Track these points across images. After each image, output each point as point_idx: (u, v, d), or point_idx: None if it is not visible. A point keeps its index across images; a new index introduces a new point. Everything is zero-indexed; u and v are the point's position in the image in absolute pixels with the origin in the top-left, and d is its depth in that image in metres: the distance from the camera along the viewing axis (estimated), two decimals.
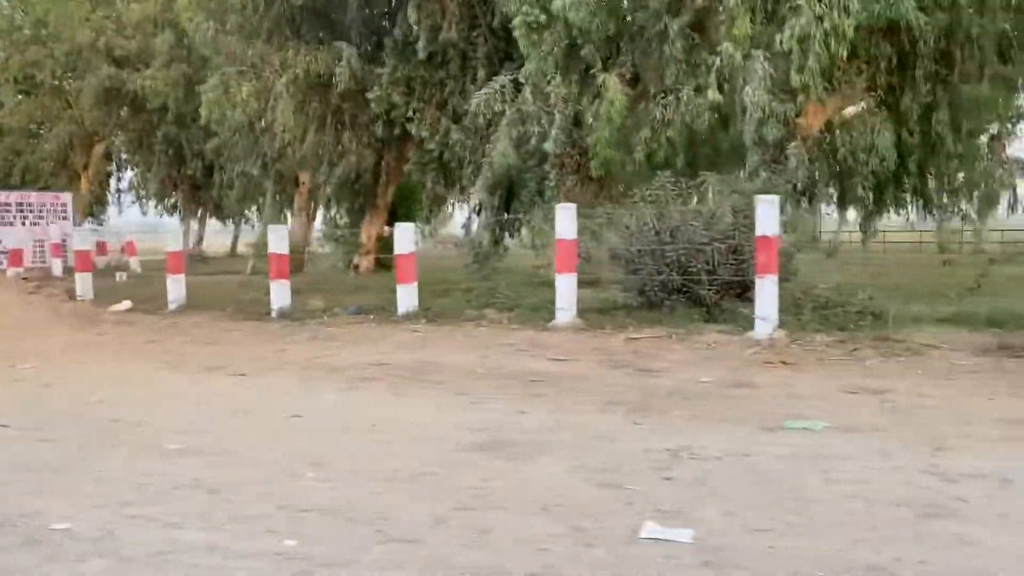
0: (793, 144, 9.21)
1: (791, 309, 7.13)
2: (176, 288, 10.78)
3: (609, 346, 6.73)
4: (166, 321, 9.99)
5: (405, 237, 8.83)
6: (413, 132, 13.28)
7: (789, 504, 3.20)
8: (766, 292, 6.55)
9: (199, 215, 30.14)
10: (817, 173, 9.82)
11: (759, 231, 6.60)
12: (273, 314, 9.51)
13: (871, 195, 11.04)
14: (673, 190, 8.42)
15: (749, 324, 6.93)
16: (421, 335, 7.74)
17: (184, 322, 9.73)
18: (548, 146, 10.69)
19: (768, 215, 6.52)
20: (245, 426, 4.65)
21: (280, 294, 9.59)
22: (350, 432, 4.44)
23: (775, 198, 6.71)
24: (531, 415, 4.76)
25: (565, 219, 7.65)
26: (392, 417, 4.74)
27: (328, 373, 6.20)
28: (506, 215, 12.71)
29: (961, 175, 11.49)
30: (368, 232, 15.72)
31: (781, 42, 8.86)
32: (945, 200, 11.71)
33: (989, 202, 32.71)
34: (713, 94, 9.40)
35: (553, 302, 8.55)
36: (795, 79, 8.90)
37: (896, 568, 2.60)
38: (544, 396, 5.24)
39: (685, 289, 7.88)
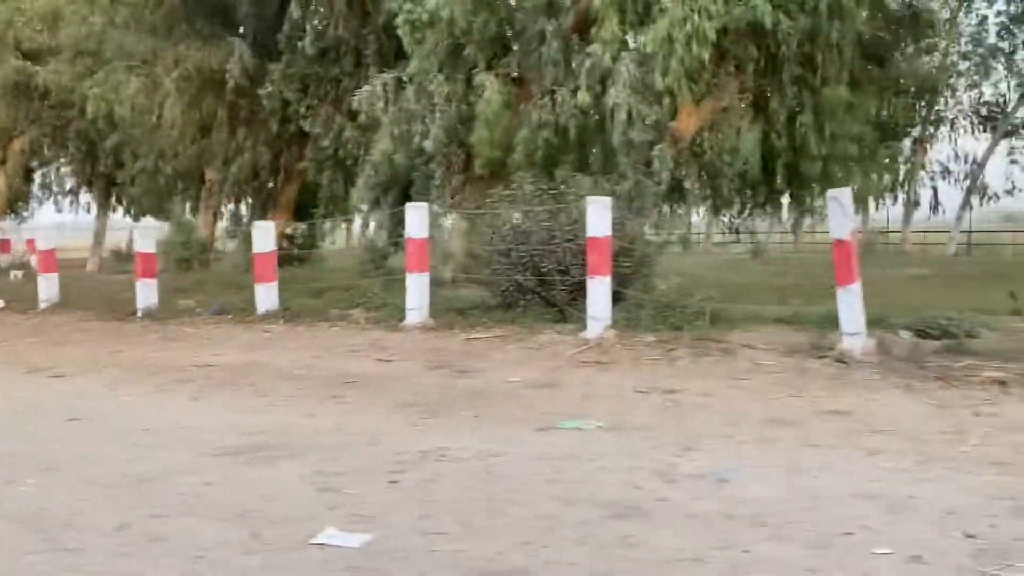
0: (659, 147, 9.28)
1: (633, 309, 7.18)
2: (48, 287, 10.54)
3: (445, 346, 6.71)
4: (31, 321, 9.76)
5: (263, 236, 8.72)
6: (307, 129, 13.14)
7: (492, 506, 3.21)
8: (597, 292, 6.59)
9: (132, 212, 29.43)
10: (689, 176, 9.91)
11: (589, 232, 6.64)
12: (138, 314, 9.33)
13: (746, 197, 11.16)
14: (535, 191, 8.42)
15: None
16: (269, 336, 7.65)
17: (48, 321, 9.52)
18: (428, 145, 10.63)
19: (598, 217, 6.56)
20: (12, 430, 4.54)
21: (146, 293, 9.42)
22: (116, 436, 4.36)
23: (606, 200, 6.76)
24: (318, 418, 4.73)
25: (415, 218, 7.62)
26: (171, 420, 4.67)
27: (148, 375, 6.09)
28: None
29: (840, 177, 11.52)
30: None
31: (645, 45, 8.93)
32: (816, 203, 11.75)
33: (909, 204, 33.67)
34: (583, 96, 9.44)
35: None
36: (660, 82, 8.98)
37: (540, 570, 2.62)
38: (345, 398, 5.20)
39: (540, 290, 7.89)
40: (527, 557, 2.71)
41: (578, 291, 7.81)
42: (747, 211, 11.74)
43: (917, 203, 33.70)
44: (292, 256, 16.11)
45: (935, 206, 35.07)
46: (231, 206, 17.41)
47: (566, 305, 7.73)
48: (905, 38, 10.48)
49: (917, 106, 34.26)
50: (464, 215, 9.90)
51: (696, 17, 8.71)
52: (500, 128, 10.53)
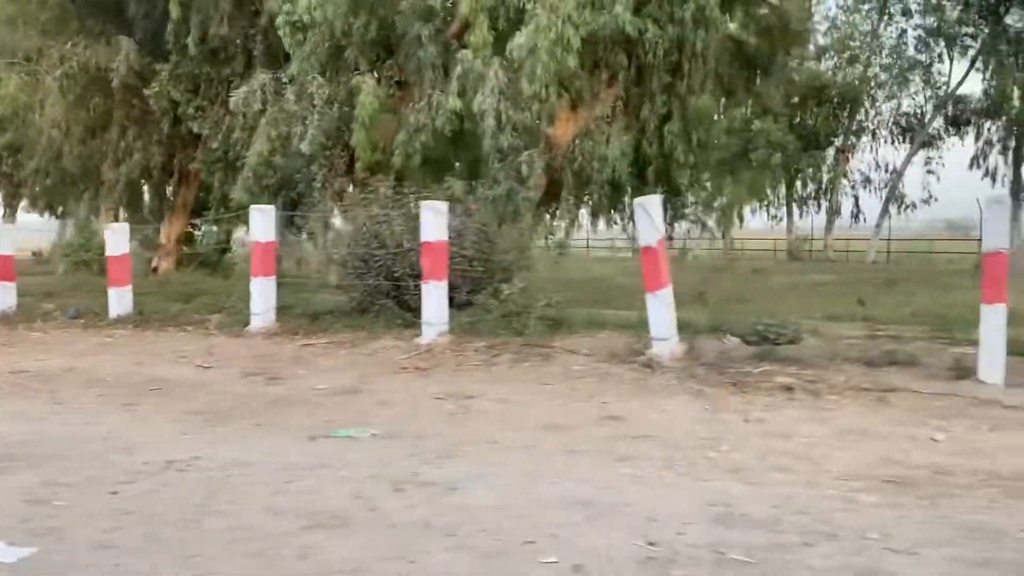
0: (527, 152, 9.29)
1: (481, 313, 7.15)
2: None
3: (276, 353, 6.62)
4: None
5: (117, 239, 8.51)
6: (196, 130, 12.90)
7: (194, 518, 3.14)
8: (431, 297, 6.55)
9: (60, 213, 28.55)
10: (564, 182, 9.95)
11: (423, 237, 6.60)
12: None
13: (622, 204, 11.23)
14: (395, 195, 8.36)
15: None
16: (110, 341, 7.46)
17: None
18: (304, 147, 10.50)
19: (433, 222, 6.52)
20: None
21: (2, 297, 9.12)
22: None
23: (442, 205, 6.73)
24: (93, 426, 4.60)
25: (260, 221, 7.50)
26: None
27: None
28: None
29: (708, 185, 11.66)
30: (167, 233, 15.20)
31: (512, 51, 8.94)
32: (690, 211, 11.81)
33: (832, 211, 34.46)
34: (453, 101, 9.41)
35: (290, 306, 8.43)
36: (526, 88, 9.00)
37: None
38: (138, 406, 5.08)
39: (395, 294, 7.83)
40: (186, 570, 2.66)
41: None
42: (625, 217, 11.80)
43: (838, 211, 34.51)
44: (197, 258, 15.89)
45: (856, 214, 35.98)
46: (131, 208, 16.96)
47: (418, 310, 7.69)
48: (778, 49, 10.62)
49: (840, 116, 35.30)
50: (337, 217, 9.80)
51: (560, 24, 8.75)
52: (378, 131, 10.46)
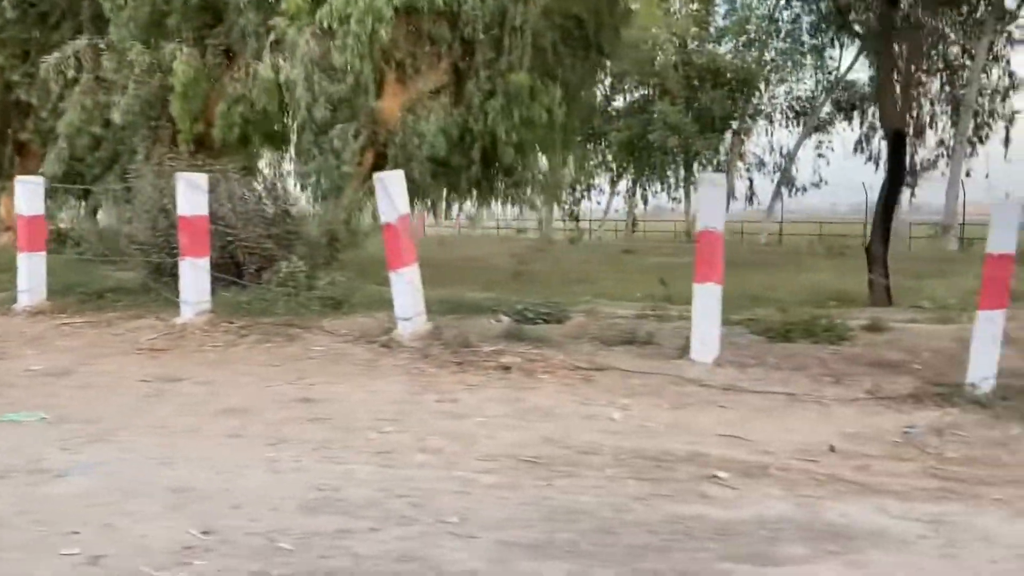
0: (339, 127, 9.05)
1: (260, 292, 6.90)
2: None
3: (22, 332, 6.28)
4: None
5: None
6: (24, 97, 12.25)
7: None
8: (188, 275, 6.28)
9: None
10: (389, 158, 9.73)
11: (179, 211, 6.32)
12: None
13: (443, 183, 11.03)
14: (194, 166, 8.02)
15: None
16: None
17: None
18: (117, 117, 10.06)
19: (189, 195, 6.24)
20: None
21: None
22: None
23: (199, 177, 6.43)
24: None
25: (25, 194, 7.09)
26: None
27: None
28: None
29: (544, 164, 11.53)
30: (7, 207, 14.44)
31: (322, 19, 8.67)
32: (521, 191, 11.58)
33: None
34: (265, 70, 9.10)
35: (79, 284, 8.02)
36: (337, 59, 8.74)
37: None
38: None
39: (175, 271, 7.51)
40: None
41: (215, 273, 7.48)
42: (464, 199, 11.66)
43: (732, 193, 35.03)
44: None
45: (750, 196, 36.67)
46: None
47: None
48: (606, 26, 10.53)
49: (736, 99, 35.80)
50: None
51: None
52: (200, 101, 10.07)
